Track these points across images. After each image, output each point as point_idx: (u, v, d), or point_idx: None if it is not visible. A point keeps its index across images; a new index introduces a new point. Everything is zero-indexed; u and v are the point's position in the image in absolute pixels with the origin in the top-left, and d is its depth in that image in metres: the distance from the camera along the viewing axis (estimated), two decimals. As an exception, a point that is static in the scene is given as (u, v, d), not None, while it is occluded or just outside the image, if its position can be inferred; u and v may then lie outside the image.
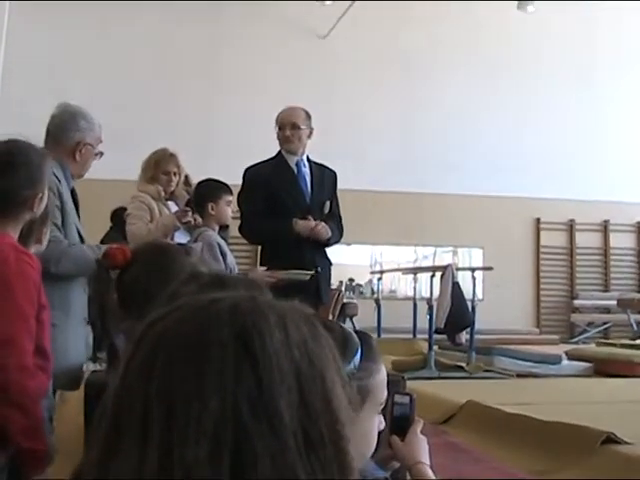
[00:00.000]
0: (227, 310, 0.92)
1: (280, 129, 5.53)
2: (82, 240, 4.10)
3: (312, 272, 5.19)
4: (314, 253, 5.39)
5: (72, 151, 4.08)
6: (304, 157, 5.57)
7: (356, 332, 1.72)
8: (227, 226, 5.41)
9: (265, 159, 5.65)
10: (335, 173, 5.73)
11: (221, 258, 4.81)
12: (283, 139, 5.51)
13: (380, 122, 14.02)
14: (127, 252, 2.65)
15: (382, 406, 1.84)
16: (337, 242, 5.70)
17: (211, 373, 0.87)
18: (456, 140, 14.20)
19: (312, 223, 5.33)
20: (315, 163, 5.65)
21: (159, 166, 5.82)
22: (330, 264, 5.68)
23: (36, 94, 12.17)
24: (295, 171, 5.52)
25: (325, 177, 5.64)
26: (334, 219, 5.61)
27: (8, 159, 2.85)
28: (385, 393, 1.84)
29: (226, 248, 4.99)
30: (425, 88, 14.24)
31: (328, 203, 5.55)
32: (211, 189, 5.28)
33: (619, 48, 15.01)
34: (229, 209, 5.17)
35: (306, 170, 5.55)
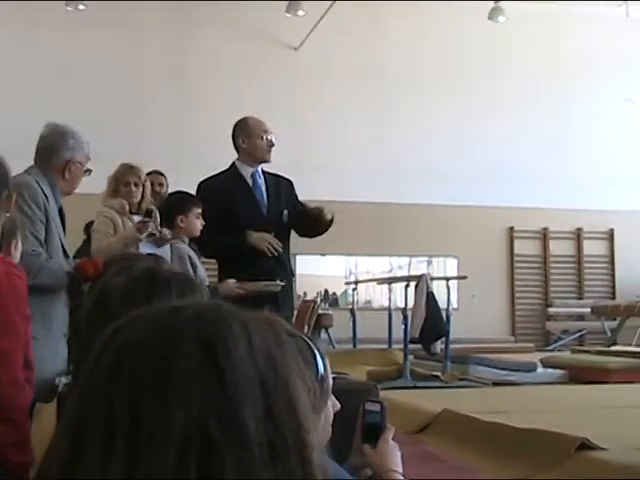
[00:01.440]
0: (191, 319, 0.91)
1: (263, 137, 5.45)
2: (67, 256, 4.13)
3: (283, 283, 5.16)
4: (272, 265, 5.33)
5: (62, 169, 4.16)
6: (259, 168, 5.52)
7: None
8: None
9: (218, 172, 5.61)
10: (291, 182, 5.67)
11: (192, 270, 4.80)
12: (268, 146, 5.44)
13: (354, 133, 14.06)
14: (99, 264, 2.65)
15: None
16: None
17: (177, 385, 0.86)
18: (429, 151, 14.25)
19: (266, 235, 5.29)
20: (269, 173, 5.60)
21: (119, 179, 5.84)
22: (292, 276, 5.65)
23: (10, 110, 12.16)
24: (251, 183, 5.47)
25: (281, 187, 5.58)
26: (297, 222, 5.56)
27: None
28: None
29: (197, 260, 4.99)
30: (399, 100, 14.28)
31: (286, 212, 5.49)
32: (180, 202, 5.27)
33: (588, 56, 15.10)
34: (199, 222, 5.15)
35: (261, 181, 5.50)
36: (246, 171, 5.48)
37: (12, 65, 12.79)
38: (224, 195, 5.38)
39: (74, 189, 4.30)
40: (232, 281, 5.09)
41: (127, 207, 5.74)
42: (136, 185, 5.83)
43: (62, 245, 4.08)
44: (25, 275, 2.85)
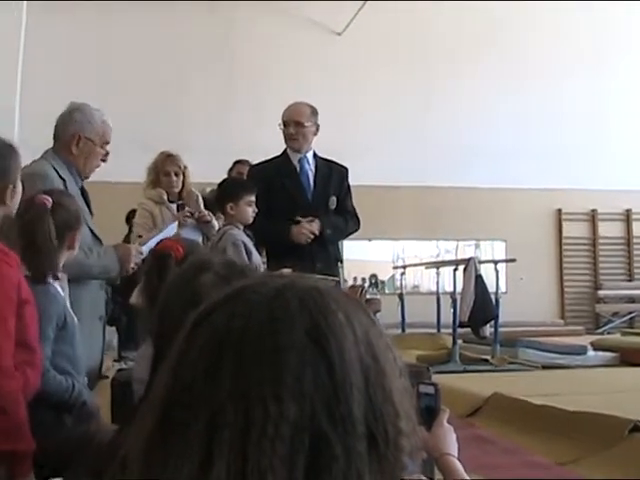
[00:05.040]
0: (296, 306, 0.90)
1: (284, 126, 5.53)
2: (97, 238, 4.10)
3: (337, 279, 5.17)
4: (316, 250, 5.36)
5: (69, 144, 4.04)
6: (308, 154, 5.57)
7: None
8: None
9: (270, 157, 5.67)
10: (346, 169, 5.71)
11: (246, 257, 4.80)
12: (287, 137, 5.53)
13: (398, 116, 14.00)
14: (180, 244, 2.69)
15: None
16: (344, 237, 5.72)
17: (289, 379, 0.85)
18: (475, 133, 14.14)
19: (305, 225, 5.32)
20: (323, 159, 5.64)
21: (158, 168, 5.85)
22: (338, 261, 5.66)
23: (55, 96, 12.27)
24: (298, 168, 5.51)
25: (333, 173, 5.62)
26: (344, 214, 5.60)
27: None
28: None
29: (251, 246, 4.98)
30: (443, 82, 14.19)
31: (334, 198, 5.53)
32: (230, 189, 5.28)
33: (633, 34, 14.90)
34: (250, 209, 5.14)
35: (310, 167, 5.55)
36: (294, 157, 5.53)
37: (55, 49, 12.87)
38: (270, 180, 5.43)
39: (89, 169, 4.14)
40: (288, 271, 5.09)
41: (165, 197, 5.77)
42: (176, 174, 5.84)
43: (90, 228, 4.00)
44: (16, 259, 2.80)
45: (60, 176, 3.92)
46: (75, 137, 4.04)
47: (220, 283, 1.75)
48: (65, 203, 3.22)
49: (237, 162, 7.28)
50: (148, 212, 5.75)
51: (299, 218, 5.37)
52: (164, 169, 5.83)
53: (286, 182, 5.46)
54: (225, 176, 6.94)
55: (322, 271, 5.09)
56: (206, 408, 0.85)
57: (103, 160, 4.16)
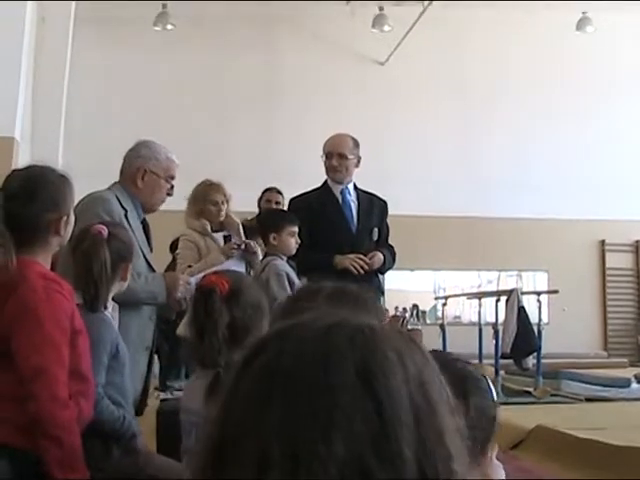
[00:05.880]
0: (346, 344, 0.89)
1: (327, 158, 5.52)
2: (153, 271, 4.15)
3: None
4: (363, 282, 5.32)
5: (133, 178, 4.11)
6: (350, 185, 5.55)
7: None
8: None
9: (311, 189, 5.66)
10: (385, 203, 5.68)
11: (289, 287, 4.79)
12: (330, 168, 5.50)
13: (441, 147, 14.02)
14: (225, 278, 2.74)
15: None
16: (389, 269, 5.70)
17: (338, 420, 0.84)
18: (518, 164, 14.12)
19: (350, 255, 5.30)
20: (364, 192, 5.62)
21: (206, 198, 5.74)
22: (381, 294, 5.64)
23: (97, 124, 12.44)
24: (340, 200, 5.50)
25: (374, 206, 5.58)
26: (388, 248, 5.58)
27: (27, 185, 2.86)
28: None
29: (295, 277, 4.96)
30: (485, 113, 14.19)
31: (377, 230, 5.51)
32: (273, 219, 5.29)
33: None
34: (293, 240, 5.11)
35: (351, 198, 5.52)
36: (336, 188, 5.52)
37: (102, 85, 13.09)
38: (313, 212, 5.42)
39: (154, 202, 4.21)
40: None
41: (209, 227, 5.67)
42: (222, 203, 5.76)
43: (146, 260, 4.05)
44: (70, 290, 2.85)
45: (122, 206, 3.98)
46: (140, 171, 4.12)
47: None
48: (119, 234, 3.27)
49: (266, 190, 7.26)
50: (193, 243, 5.66)
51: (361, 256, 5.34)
52: (211, 198, 5.70)
53: (329, 213, 5.44)
54: (265, 206, 6.96)
55: None
56: (255, 447, 0.84)
57: (168, 194, 4.22)
